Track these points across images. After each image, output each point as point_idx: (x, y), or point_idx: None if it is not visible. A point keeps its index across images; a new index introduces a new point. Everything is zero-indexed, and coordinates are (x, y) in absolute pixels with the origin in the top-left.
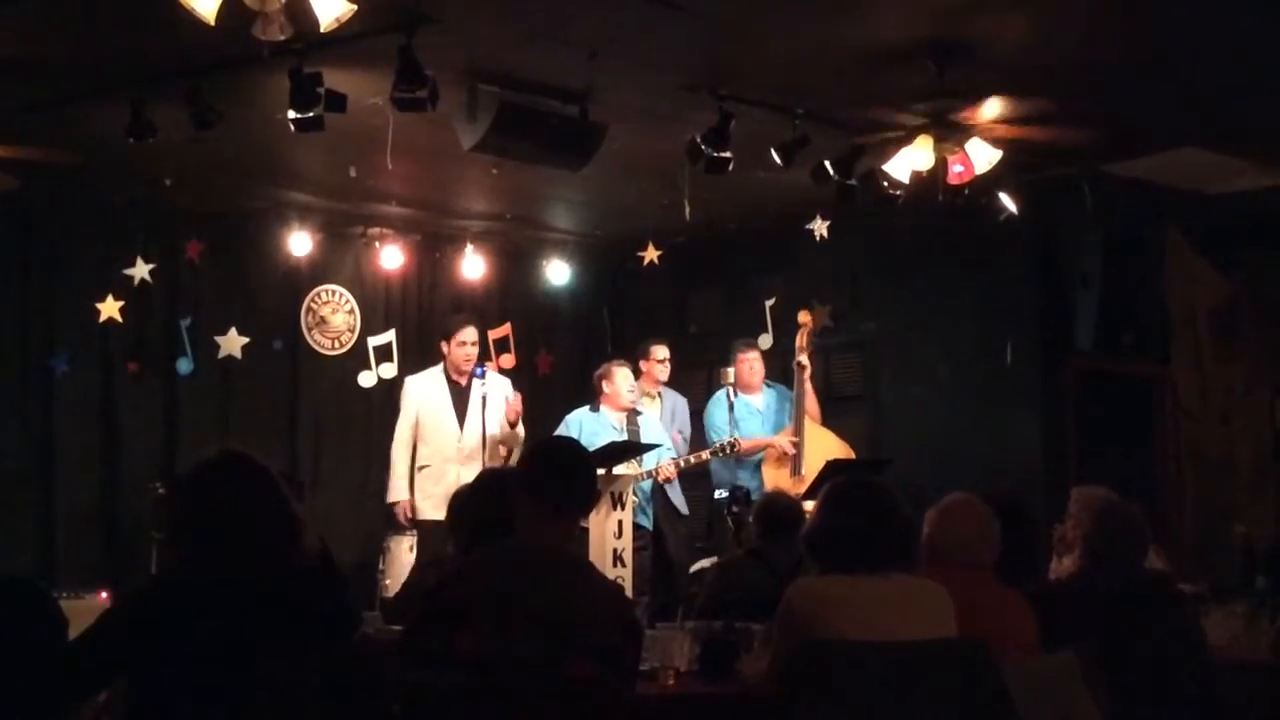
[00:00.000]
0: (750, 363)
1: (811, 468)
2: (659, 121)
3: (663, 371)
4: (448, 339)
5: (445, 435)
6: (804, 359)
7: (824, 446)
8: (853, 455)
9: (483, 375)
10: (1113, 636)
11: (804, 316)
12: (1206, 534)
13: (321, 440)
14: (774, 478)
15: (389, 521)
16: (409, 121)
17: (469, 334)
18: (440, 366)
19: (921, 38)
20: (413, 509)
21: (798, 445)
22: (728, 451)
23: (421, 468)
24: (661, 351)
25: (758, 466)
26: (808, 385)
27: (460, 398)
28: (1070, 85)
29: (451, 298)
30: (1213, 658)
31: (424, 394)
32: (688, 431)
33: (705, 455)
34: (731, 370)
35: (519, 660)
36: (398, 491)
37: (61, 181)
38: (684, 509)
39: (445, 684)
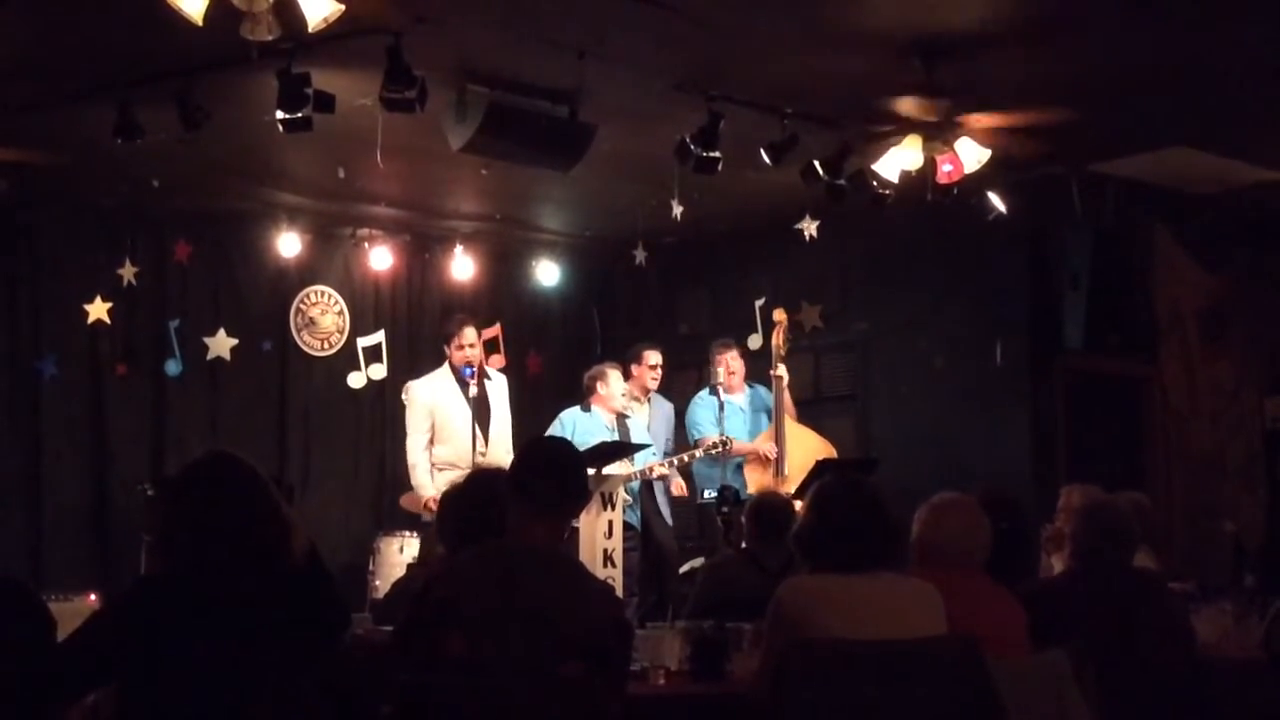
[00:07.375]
0: (729, 361)
1: (793, 465)
2: (648, 122)
3: (653, 379)
4: (448, 343)
5: (464, 441)
6: (782, 369)
7: (805, 444)
8: (833, 452)
9: (472, 375)
10: (1102, 635)
11: (779, 314)
12: (1196, 532)
13: (311, 442)
14: (757, 479)
15: (379, 522)
16: (398, 122)
17: (469, 335)
18: (446, 369)
19: (909, 37)
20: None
21: (778, 448)
22: (721, 450)
23: (441, 469)
24: (654, 357)
25: (739, 467)
26: (785, 387)
27: (476, 403)
28: (1058, 84)
29: (441, 298)
30: (1202, 655)
31: (436, 398)
32: (672, 440)
33: (698, 453)
34: (721, 370)
35: (509, 660)
36: (426, 488)
37: (49, 183)
38: (668, 519)
39: (435, 685)
